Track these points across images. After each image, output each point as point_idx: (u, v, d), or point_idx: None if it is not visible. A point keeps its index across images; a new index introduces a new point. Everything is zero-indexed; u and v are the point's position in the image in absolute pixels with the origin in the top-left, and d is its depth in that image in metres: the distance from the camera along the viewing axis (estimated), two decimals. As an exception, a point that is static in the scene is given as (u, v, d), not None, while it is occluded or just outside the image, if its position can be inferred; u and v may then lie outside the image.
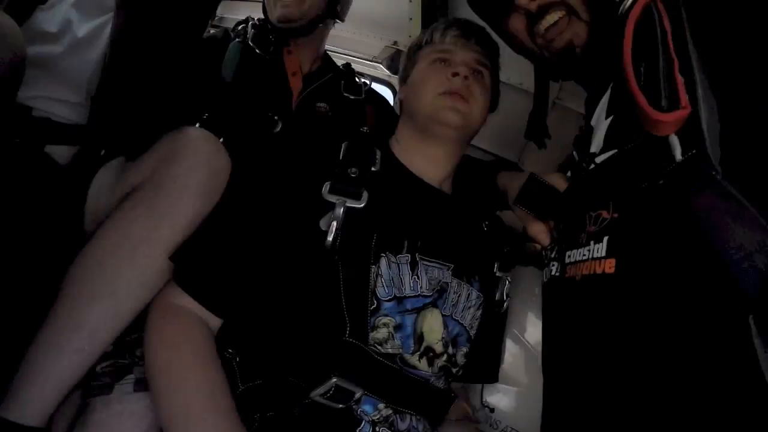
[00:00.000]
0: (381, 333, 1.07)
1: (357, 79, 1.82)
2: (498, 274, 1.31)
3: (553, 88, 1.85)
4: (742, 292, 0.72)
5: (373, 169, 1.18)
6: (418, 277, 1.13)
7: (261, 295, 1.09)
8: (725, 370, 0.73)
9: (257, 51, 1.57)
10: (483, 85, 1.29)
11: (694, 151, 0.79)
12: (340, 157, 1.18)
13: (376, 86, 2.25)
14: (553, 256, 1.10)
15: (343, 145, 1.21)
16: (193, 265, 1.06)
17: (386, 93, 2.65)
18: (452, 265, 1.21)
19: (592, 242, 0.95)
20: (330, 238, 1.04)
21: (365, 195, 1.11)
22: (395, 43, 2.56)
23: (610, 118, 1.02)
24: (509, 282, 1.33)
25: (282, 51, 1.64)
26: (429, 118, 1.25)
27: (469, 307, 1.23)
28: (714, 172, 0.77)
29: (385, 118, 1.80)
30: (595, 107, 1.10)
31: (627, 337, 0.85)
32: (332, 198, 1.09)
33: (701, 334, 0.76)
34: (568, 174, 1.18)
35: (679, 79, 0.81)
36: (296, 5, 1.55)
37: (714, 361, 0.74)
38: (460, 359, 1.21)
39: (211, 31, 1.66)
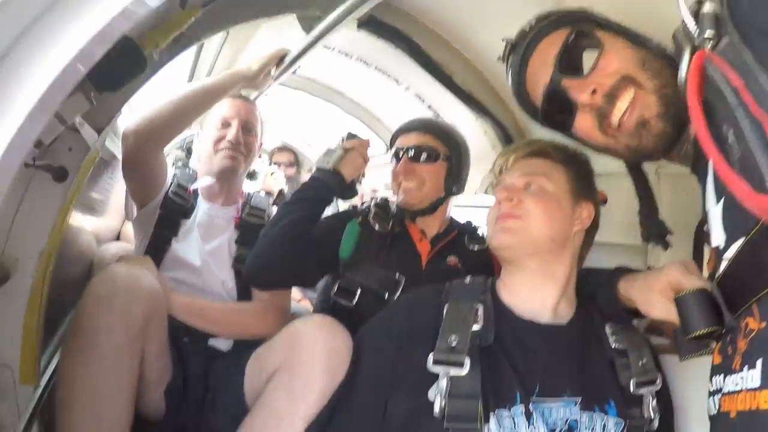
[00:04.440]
0: None
1: (479, 232, 1.98)
2: (637, 391, 1.20)
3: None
4: None
5: (475, 328, 1.21)
6: (535, 427, 1.11)
7: None
8: None
9: (376, 227, 1.82)
10: (538, 195, 1.27)
11: None
12: (441, 324, 1.23)
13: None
14: (714, 387, 0.91)
15: (445, 308, 1.27)
16: None
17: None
18: (579, 398, 1.17)
19: (745, 367, 0.77)
20: (437, 409, 1.10)
21: (467, 362, 1.15)
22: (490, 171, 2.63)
23: (721, 201, 0.86)
24: (653, 397, 1.21)
25: (404, 224, 1.89)
26: (492, 249, 1.31)
27: None
28: None
29: None
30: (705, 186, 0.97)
31: None
32: (436, 369, 1.14)
33: None
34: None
35: None
36: (416, 191, 1.82)
37: None
38: None
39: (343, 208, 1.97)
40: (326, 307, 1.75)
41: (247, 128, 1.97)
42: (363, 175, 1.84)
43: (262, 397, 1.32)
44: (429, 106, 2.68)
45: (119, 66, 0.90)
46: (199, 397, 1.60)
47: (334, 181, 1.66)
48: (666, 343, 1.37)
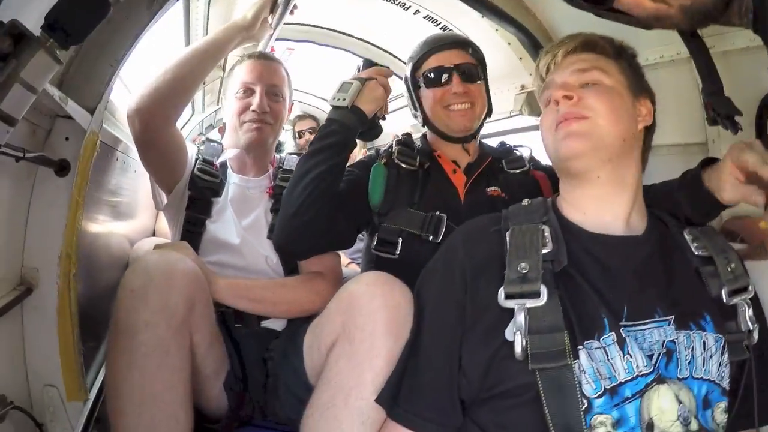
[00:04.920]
0: None
1: (516, 152, 1.81)
2: (730, 301, 1.08)
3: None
4: None
5: (544, 251, 1.07)
6: (631, 355, 0.98)
7: (470, 415, 1.08)
8: None
9: (403, 166, 1.65)
10: (599, 90, 1.12)
11: None
12: (506, 253, 1.09)
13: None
14: None
15: (507, 236, 1.12)
16: (401, 401, 1.10)
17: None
18: (672, 317, 1.03)
19: None
20: (518, 349, 0.96)
21: (544, 290, 1.00)
22: (523, 87, 2.49)
23: None
24: (749, 305, 1.09)
25: (433, 157, 1.72)
26: (558, 159, 1.15)
27: (710, 357, 1.03)
28: None
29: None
30: None
31: None
32: (510, 304, 1.01)
33: None
34: None
35: None
36: (471, 113, 1.67)
37: None
38: (720, 417, 1.03)
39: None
40: (372, 267, 1.60)
41: (273, 92, 1.78)
42: (386, 110, 1.63)
43: (324, 371, 1.19)
44: (443, 27, 2.48)
45: (77, 11, 0.80)
46: (261, 384, 1.51)
47: (354, 120, 1.48)
48: (744, 248, 1.28)
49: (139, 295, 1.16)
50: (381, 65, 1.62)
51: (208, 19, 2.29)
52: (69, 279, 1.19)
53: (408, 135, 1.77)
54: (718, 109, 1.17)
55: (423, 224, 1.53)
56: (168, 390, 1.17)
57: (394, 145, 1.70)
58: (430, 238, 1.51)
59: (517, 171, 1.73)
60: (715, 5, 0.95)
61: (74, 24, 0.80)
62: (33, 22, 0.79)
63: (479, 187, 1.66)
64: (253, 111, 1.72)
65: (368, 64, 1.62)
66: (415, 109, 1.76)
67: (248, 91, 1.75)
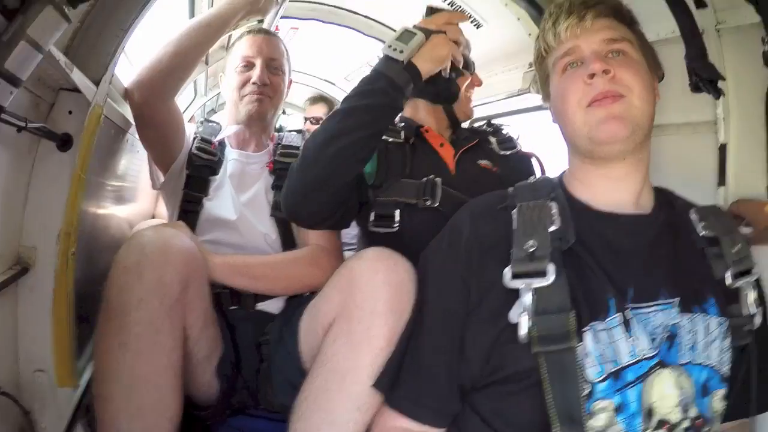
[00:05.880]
0: (599, 420, 0.91)
1: (504, 131, 1.79)
2: (734, 284, 1.03)
3: (707, 16, 1.42)
4: None
5: (552, 228, 1.01)
6: (635, 338, 0.94)
7: (469, 402, 1.05)
8: None
9: (390, 140, 1.59)
10: (630, 64, 1.05)
11: None
12: (513, 230, 1.03)
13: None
14: None
15: (513, 214, 1.06)
16: (399, 387, 1.07)
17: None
18: (677, 299, 0.99)
19: None
20: (523, 331, 0.92)
21: (551, 268, 0.95)
22: (531, 64, 2.36)
23: None
24: (755, 288, 1.05)
25: (419, 132, 1.66)
26: (590, 141, 1.05)
27: (713, 341, 0.99)
28: None
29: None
30: None
31: None
32: (516, 284, 0.96)
33: None
34: None
35: None
36: None
37: None
38: (718, 405, 0.99)
39: None
40: (371, 246, 1.47)
41: (273, 66, 1.77)
42: (458, 64, 1.43)
43: (320, 353, 1.14)
44: (451, 3, 2.41)
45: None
46: (254, 370, 1.45)
47: (406, 79, 1.27)
48: (750, 232, 1.23)
49: (132, 272, 1.11)
50: (452, 11, 1.42)
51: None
52: (67, 258, 1.14)
53: None
54: (701, 73, 1.14)
55: (418, 191, 1.46)
56: (158, 373, 1.12)
57: None
58: (428, 202, 1.44)
59: (508, 152, 1.70)
60: None
61: (83, -21, 0.76)
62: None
63: (470, 160, 1.63)
64: (254, 83, 1.71)
65: (431, 11, 1.39)
66: None
67: (248, 65, 1.74)
